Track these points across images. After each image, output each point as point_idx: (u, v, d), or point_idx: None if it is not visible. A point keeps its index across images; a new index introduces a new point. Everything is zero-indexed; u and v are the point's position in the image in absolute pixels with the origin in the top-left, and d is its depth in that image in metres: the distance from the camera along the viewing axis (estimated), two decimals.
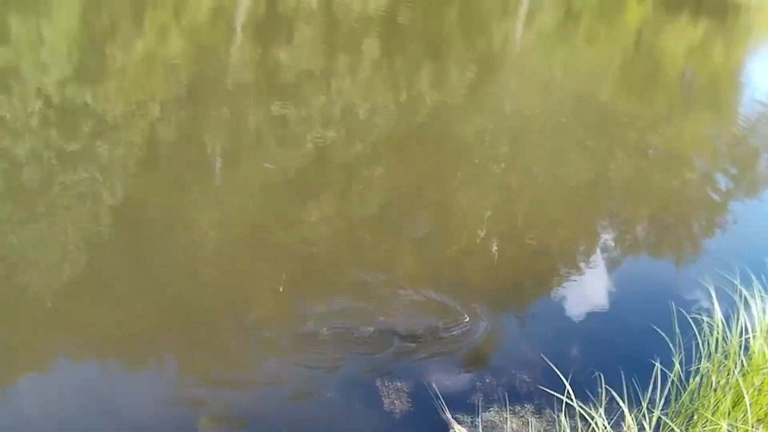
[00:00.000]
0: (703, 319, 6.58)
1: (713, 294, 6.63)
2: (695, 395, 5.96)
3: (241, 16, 18.74)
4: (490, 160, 12.27)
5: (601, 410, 5.31)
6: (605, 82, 18.81)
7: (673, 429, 5.44)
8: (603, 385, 5.64)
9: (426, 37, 20.04)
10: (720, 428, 5.19)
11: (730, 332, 6.23)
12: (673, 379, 5.92)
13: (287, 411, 6.52)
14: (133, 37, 16.02)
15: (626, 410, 5.35)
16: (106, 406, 6.29)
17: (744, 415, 5.31)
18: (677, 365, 5.94)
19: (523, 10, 24.16)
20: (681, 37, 25.37)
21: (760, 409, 5.53)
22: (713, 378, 5.84)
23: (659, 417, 5.45)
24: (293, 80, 15.04)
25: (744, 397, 5.34)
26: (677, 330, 6.19)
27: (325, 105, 13.79)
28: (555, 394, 6.25)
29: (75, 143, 10.58)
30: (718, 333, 6.25)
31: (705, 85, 20.94)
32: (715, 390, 5.73)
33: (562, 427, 5.47)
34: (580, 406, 5.51)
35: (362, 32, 19.39)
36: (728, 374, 5.73)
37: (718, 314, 6.42)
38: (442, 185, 11.07)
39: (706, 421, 5.42)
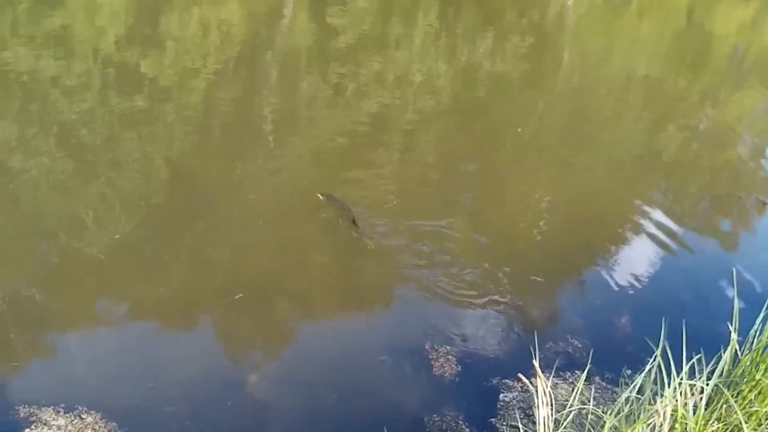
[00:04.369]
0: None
1: None
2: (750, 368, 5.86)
3: None
4: (544, 131, 12.20)
5: (650, 378, 5.26)
6: (657, 57, 18.61)
7: (725, 395, 5.39)
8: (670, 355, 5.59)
9: (481, 6, 19.90)
10: None
11: None
12: (727, 351, 5.83)
13: (335, 373, 6.53)
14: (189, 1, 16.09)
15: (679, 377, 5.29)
16: (155, 367, 6.37)
17: None
18: (734, 338, 5.83)
19: None
20: (732, 14, 25.01)
21: None
22: None
23: (716, 385, 5.39)
24: (347, 46, 15.03)
25: None
26: (733, 303, 6.06)
27: (379, 71, 13.76)
28: (606, 362, 6.29)
29: (129, 106, 10.69)
30: None
31: (755, 62, 20.65)
32: None
33: (614, 395, 5.44)
34: (629, 375, 5.48)
35: None
36: None
37: None
38: (495, 153, 11.04)
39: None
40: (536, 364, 4.67)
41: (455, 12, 18.93)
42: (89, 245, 7.63)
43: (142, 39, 13.74)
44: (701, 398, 5.11)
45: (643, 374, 5.22)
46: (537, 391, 4.68)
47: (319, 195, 8.70)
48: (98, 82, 11.49)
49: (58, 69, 11.74)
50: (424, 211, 9.12)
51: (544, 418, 4.61)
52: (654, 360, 5.17)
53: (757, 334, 5.77)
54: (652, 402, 5.06)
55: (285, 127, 10.93)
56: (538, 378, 4.60)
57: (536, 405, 4.70)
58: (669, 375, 4.98)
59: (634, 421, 5.07)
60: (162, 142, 9.90)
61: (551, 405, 4.67)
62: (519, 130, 11.92)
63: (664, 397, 4.82)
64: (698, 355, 5.31)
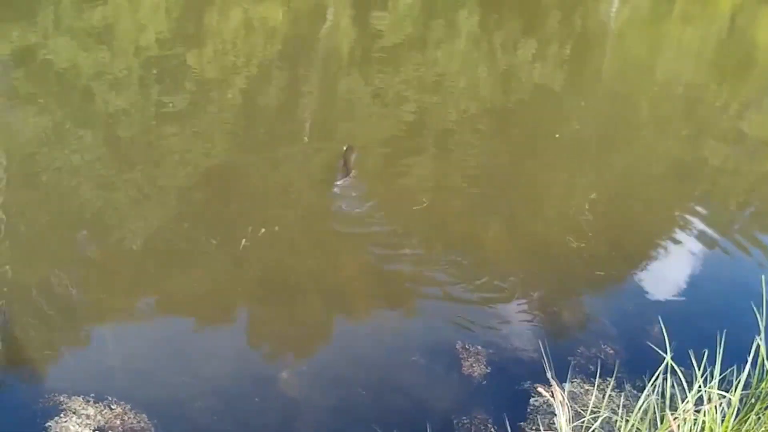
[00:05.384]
0: None
1: None
2: None
3: None
4: (582, 138, 12.11)
5: (691, 385, 5.21)
6: (699, 65, 18.41)
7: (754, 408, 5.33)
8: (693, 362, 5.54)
9: (522, 12, 19.81)
10: None
11: None
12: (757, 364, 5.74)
13: (365, 371, 6.56)
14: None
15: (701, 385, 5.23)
16: (186, 361, 6.46)
17: None
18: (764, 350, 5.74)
19: None
20: None
21: None
22: None
23: (743, 396, 5.33)
24: (388, 48, 15.04)
25: None
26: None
27: (419, 74, 13.75)
28: (637, 368, 6.23)
29: (169, 101, 10.79)
30: None
31: None
32: None
33: (644, 402, 5.38)
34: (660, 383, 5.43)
35: (458, 2, 19.22)
36: None
37: None
38: (532, 158, 10.97)
39: None
40: (550, 376, 4.68)
41: (497, 18, 18.86)
42: (124, 239, 7.71)
43: (184, 35, 13.84)
44: (729, 409, 5.07)
45: (669, 382, 5.19)
46: (556, 401, 4.68)
47: (344, 147, 9.39)
48: (139, 78, 11.59)
49: (99, 64, 11.85)
50: (457, 213, 9.16)
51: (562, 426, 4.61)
52: (682, 369, 5.15)
53: None
54: (677, 410, 5.02)
55: (323, 126, 10.97)
56: (554, 390, 4.59)
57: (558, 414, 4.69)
58: (698, 384, 4.94)
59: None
60: (201, 138, 9.97)
61: (569, 414, 4.66)
62: (557, 135, 11.84)
63: (687, 404, 4.79)
64: (730, 367, 5.27)
